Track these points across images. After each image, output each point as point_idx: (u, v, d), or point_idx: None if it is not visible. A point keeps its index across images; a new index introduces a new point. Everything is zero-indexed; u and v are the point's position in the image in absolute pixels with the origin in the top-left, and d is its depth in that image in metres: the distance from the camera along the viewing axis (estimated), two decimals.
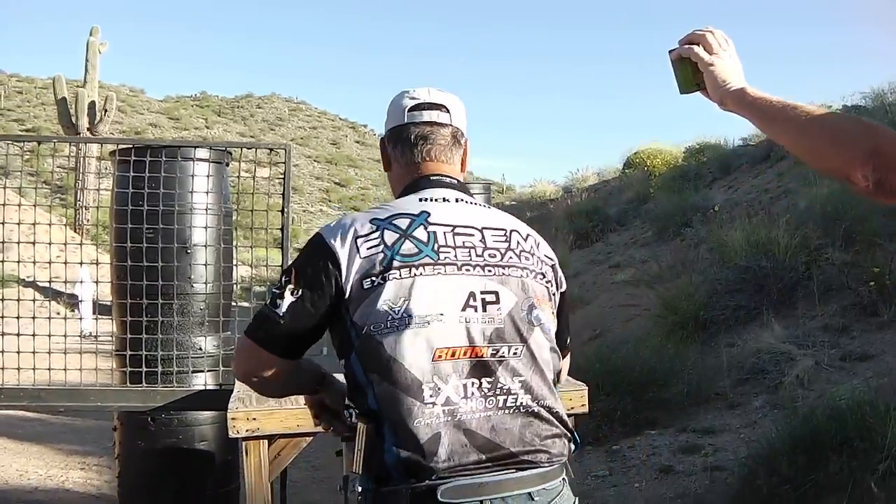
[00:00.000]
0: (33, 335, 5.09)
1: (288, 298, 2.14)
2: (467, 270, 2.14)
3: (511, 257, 2.21)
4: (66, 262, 5.74)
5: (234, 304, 5.77)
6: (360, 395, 2.12)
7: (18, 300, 5.31)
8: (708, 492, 5.82)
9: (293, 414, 3.91)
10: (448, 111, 2.41)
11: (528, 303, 2.17)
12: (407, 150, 2.38)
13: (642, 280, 12.21)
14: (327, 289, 2.12)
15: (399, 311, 2.06)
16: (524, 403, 2.11)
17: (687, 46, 2.02)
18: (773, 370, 7.67)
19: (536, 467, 2.11)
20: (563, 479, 2.19)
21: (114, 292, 5.53)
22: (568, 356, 2.48)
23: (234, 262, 5.70)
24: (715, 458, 6.37)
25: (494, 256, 2.19)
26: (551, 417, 2.16)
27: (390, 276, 2.08)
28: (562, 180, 29.35)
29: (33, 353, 5.05)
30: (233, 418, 3.90)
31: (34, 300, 5.68)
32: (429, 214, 2.20)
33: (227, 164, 5.74)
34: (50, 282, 5.89)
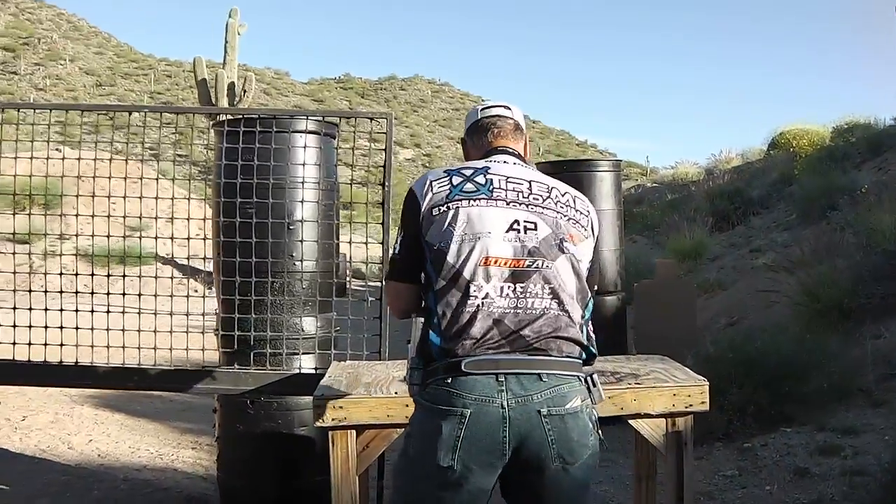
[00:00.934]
0: (155, 313, 4.94)
1: (399, 238, 2.94)
2: (514, 206, 2.85)
3: (549, 203, 2.90)
4: (204, 239, 5.55)
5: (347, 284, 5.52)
6: (426, 295, 2.87)
7: (143, 276, 5.17)
8: (846, 498, 5.32)
9: (382, 403, 3.64)
10: (510, 109, 3.23)
11: (560, 236, 2.85)
12: (481, 135, 3.17)
13: (783, 265, 11.57)
14: (416, 223, 2.87)
15: (458, 229, 2.78)
16: (548, 307, 2.78)
17: None
18: None
19: (547, 355, 2.75)
20: (581, 378, 2.82)
21: (215, 269, 5.37)
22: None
23: (339, 240, 5.45)
24: (855, 461, 5.85)
25: (537, 200, 2.89)
26: (570, 323, 2.81)
27: (452, 206, 2.82)
28: (704, 162, 28.49)
29: (142, 331, 4.89)
30: (318, 406, 3.64)
31: (158, 275, 5.51)
32: (489, 168, 2.95)
33: (335, 137, 5.49)
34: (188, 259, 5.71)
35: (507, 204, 2.83)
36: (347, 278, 5.50)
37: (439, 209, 2.82)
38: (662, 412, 3.78)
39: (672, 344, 8.33)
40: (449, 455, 2.65)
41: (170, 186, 13.46)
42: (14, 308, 5.04)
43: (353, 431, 3.66)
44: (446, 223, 2.79)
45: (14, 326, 4.92)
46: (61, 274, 5.39)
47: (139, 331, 4.93)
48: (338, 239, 5.38)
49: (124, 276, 5.75)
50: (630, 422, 3.81)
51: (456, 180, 2.87)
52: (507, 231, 2.78)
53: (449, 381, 2.69)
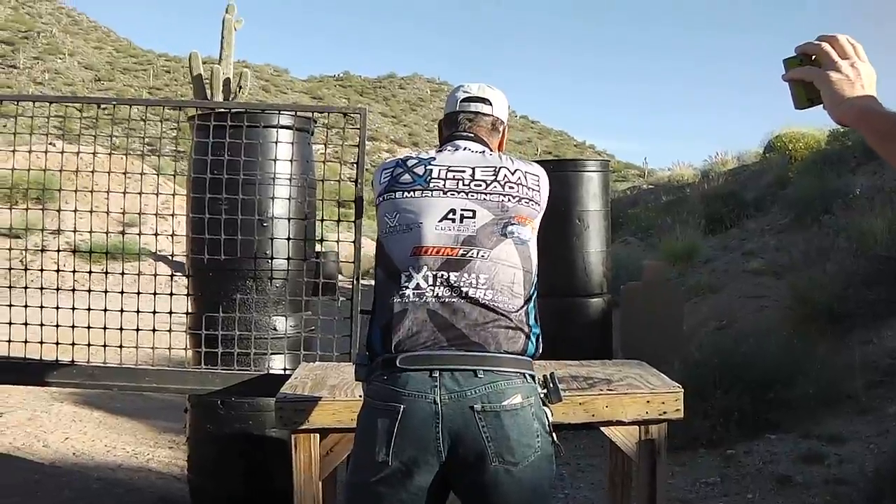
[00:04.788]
0: (137, 311, 4.86)
1: None
2: (452, 194, 2.79)
3: (495, 187, 2.82)
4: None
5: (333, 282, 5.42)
6: (375, 281, 2.83)
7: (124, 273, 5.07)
8: None
9: (347, 406, 3.51)
10: (491, 104, 3.10)
11: (505, 220, 2.77)
12: (453, 127, 3.07)
13: (774, 269, 11.47)
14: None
15: (392, 220, 2.81)
16: (485, 297, 2.68)
17: (797, 69, 1.85)
18: None
19: (484, 350, 2.64)
20: (526, 375, 2.70)
21: (188, 266, 5.27)
22: None
23: (319, 238, 5.34)
24: (839, 469, 5.74)
25: (480, 186, 2.82)
26: (508, 313, 2.70)
27: (388, 197, 2.86)
28: (700, 164, 28.37)
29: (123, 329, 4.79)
30: (280, 409, 3.54)
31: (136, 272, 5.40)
32: (434, 158, 2.92)
33: (312, 133, 5.38)
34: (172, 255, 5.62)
35: (445, 193, 2.79)
36: (330, 276, 5.39)
37: (380, 200, 2.88)
38: (635, 419, 3.67)
39: (658, 348, 8.25)
40: (384, 450, 2.59)
41: (165, 182, 13.40)
42: None
43: (317, 435, 3.55)
44: (382, 214, 2.85)
45: None
46: (58, 271, 5.28)
47: (121, 329, 4.82)
48: (315, 237, 5.27)
49: (106, 272, 5.64)
50: (602, 429, 3.71)
51: (397, 171, 2.89)
52: (440, 220, 2.75)
53: (385, 377, 2.65)
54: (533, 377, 2.75)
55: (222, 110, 5.27)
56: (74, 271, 5.22)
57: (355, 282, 4.67)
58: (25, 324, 4.80)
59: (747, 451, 6.46)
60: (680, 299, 10.12)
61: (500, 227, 2.75)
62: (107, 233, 5.18)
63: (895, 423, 6.37)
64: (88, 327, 4.76)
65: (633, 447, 3.73)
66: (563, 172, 8.84)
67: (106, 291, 4.91)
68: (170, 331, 4.98)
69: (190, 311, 5.19)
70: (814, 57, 1.81)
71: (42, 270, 5.11)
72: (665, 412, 3.68)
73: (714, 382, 6.91)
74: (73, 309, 4.77)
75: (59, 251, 6.07)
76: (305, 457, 3.55)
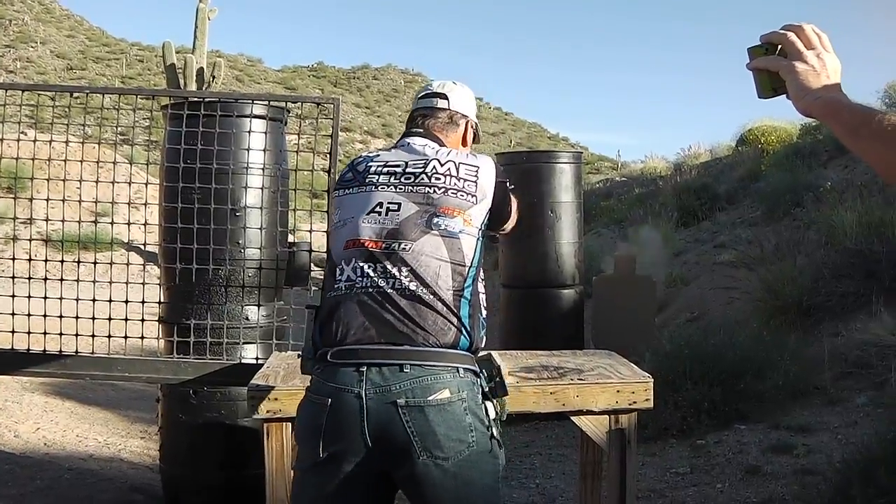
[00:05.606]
0: (110, 300, 4.80)
1: None
2: (383, 188, 2.89)
3: (422, 179, 2.88)
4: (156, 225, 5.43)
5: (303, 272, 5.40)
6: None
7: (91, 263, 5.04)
8: (796, 498, 5.26)
9: None
10: (447, 98, 3.20)
11: (430, 212, 2.81)
12: (410, 124, 3.20)
13: (745, 261, 11.53)
14: None
15: (336, 217, 2.97)
16: (410, 288, 2.72)
17: (761, 58, 1.83)
18: (880, 364, 6.98)
19: (412, 344, 2.67)
20: (457, 369, 2.69)
21: (161, 255, 5.25)
22: (512, 219, 3.22)
23: (291, 228, 5.34)
24: (808, 459, 5.79)
25: (409, 178, 2.90)
26: (436, 305, 2.71)
27: (333, 195, 3.07)
28: (673, 157, 28.43)
29: (93, 319, 4.76)
30: (252, 397, 3.54)
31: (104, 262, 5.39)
32: (377, 156, 3.06)
33: (285, 122, 5.38)
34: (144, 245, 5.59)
35: (376, 187, 2.89)
36: (302, 266, 5.38)
37: (333, 195, 3.09)
38: (605, 409, 3.69)
39: (629, 338, 8.29)
40: (315, 441, 2.68)
41: (138, 172, 13.30)
42: None
43: (289, 423, 3.55)
44: (332, 214, 3.05)
45: None
46: (30, 260, 5.23)
47: (93, 319, 4.79)
48: (287, 227, 5.27)
49: (79, 262, 5.64)
50: (573, 419, 3.73)
51: (344, 170, 3.07)
52: (367, 213, 2.84)
53: (320, 370, 2.74)
54: (471, 371, 2.76)
55: (195, 100, 5.24)
56: (46, 260, 5.21)
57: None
58: (13, 314, 4.77)
59: (717, 441, 6.50)
60: (652, 291, 10.17)
61: (424, 219, 2.79)
62: (79, 222, 5.17)
63: (863, 414, 6.42)
64: (61, 317, 4.73)
65: (603, 437, 3.75)
66: (535, 164, 8.90)
67: (78, 280, 4.90)
68: (142, 320, 4.96)
69: (162, 300, 5.17)
70: (779, 47, 1.80)
71: (14, 259, 5.08)
72: (635, 402, 3.71)
73: (684, 373, 6.96)
74: (45, 298, 4.74)
75: (31, 240, 6.03)
76: (277, 445, 3.56)
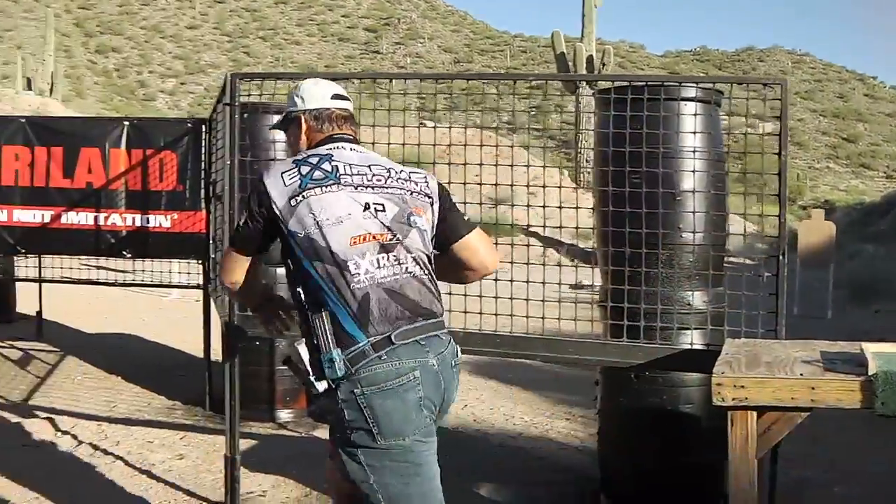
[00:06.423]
0: (527, 281, 4.93)
1: (241, 219, 3.28)
2: (362, 189, 3.16)
3: (392, 182, 3.24)
4: (572, 208, 5.51)
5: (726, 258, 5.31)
6: (307, 279, 3.08)
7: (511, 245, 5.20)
8: None
9: (787, 384, 3.42)
10: (349, 100, 3.58)
11: (408, 211, 3.20)
12: (324, 123, 3.43)
13: None
14: (262, 210, 3.16)
15: (320, 215, 3.06)
16: (417, 273, 3.16)
17: None
18: None
19: (436, 317, 3.18)
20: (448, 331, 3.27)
21: (598, 239, 5.31)
22: (476, 232, 3.46)
23: (727, 212, 5.24)
24: None
25: (380, 181, 3.22)
26: (433, 286, 3.22)
27: (307, 194, 3.10)
28: None
29: (515, 300, 4.90)
30: (718, 384, 3.47)
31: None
32: (332, 155, 3.25)
33: (719, 105, 5.27)
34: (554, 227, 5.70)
35: (356, 188, 3.16)
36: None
37: (296, 199, 3.09)
38: None
39: None
40: (417, 415, 3.02)
41: (530, 158, 13.67)
42: None
43: (754, 413, 3.48)
44: (307, 212, 3.07)
45: None
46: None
47: (527, 300, 4.89)
48: (725, 211, 5.17)
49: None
50: None
51: (304, 170, 3.17)
52: (364, 211, 3.11)
53: (384, 356, 2.98)
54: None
55: (639, 84, 5.24)
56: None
57: (781, 257, 4.52)
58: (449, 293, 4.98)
59: None
60: None
61: (405, 217, 3.19)
62: (480, 204, 5.26)
63: None
64: (496, 298, 4.85)
65: None
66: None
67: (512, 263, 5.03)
68: (575, 302, 5.03)
69: (603, 284, 5.23)
70: None
71: None
72: None
73: None
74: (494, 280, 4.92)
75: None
76: (742, 434, 3.49)
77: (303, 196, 3.09)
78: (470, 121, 6.33)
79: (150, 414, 7.33)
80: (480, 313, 4.91)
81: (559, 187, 5.34)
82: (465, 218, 3.53)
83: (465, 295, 4.77)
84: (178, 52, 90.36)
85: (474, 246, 3.43)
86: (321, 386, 3.05)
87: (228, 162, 4.98)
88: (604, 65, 24.30)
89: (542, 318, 4.85)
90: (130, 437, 6.61)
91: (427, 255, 3.23)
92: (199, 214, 7.13)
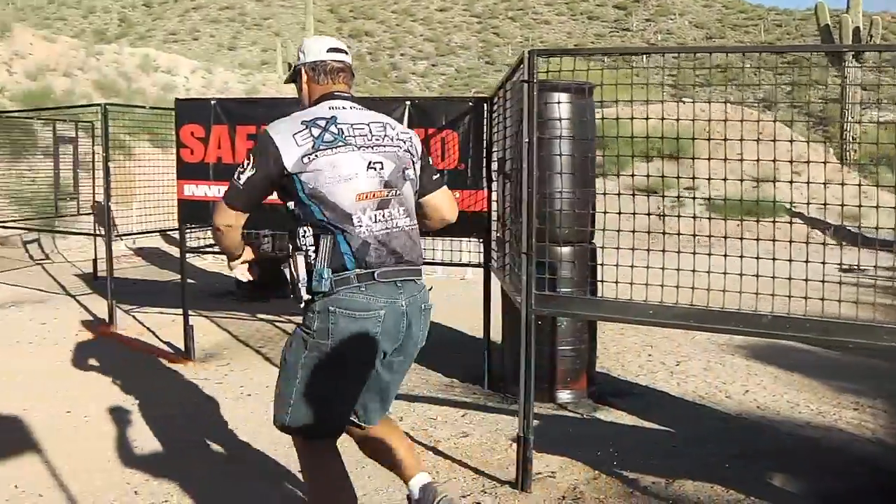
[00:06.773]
0: (790, 260, 4.71)
1: (247, 173, 3.61)
2: (365, 149, 3.67)
3: (388, 140, 3.78)
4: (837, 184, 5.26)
5: None
6: (313, 216, 3.59)
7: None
8: None
9: None
10: (347, 53, 4.00)
11: (402, 166, 3.78)
12: (325, 76, 3.90)
13: None
14: (271, 167, 3.58)
15: (332, 173, 3.56)
16: (406, 225, 3.77)
17: None
18: None
19: (414, 264, 3.78)
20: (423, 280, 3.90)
21: None
22: (444, 189, 4.17)
23: None
24: None
25: (378, 140, 3.74)
26: (416, 236, 3.83)
27: (320, 154, 3.57)
28: None
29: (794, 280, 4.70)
30: None
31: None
32: (336, 118, 3.70)
33: None
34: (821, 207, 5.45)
35: (359, 148, 3.67)
36: None
37: (310, 158, 3.57)
38: None
39: None
40: (373, 345, 3.65)
41: (788, 134, 13.16)
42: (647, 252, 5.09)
43: None
44: (317, 168, 3.57)
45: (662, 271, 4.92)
46: (694, 217, 5.28)
47: (806, 280, 4.63)
48: None
49: (748, 222, 5.58)
50: None
51: (315, 132, 3.63)
52: (367, 170, 3.66)
53: (364, 288, 3.60)
54: None
55: None
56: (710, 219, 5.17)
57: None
58: (693, 271, 4.84)
59: None
60: None
61: (401, 172, 3.79)
62: (741, 180, 5.03)
63: None
64: (756, 276, 4.69)
65: None
66: None
67: (758, 239, 4.83)
68: (822, 282, 4.69)
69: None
70: None
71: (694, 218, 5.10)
72: None
73: None
74: (725, 256, 4.77)
75: (693, 199, 6.08)
76: None
77: (315, 155, 3.57)
78: (722, 98, 6.14)
79: (429, 391, 7.46)
80: (740, 293, 4.75)
81: (824, 162, 5.13)
82: (435, 177, 4.13)
83: (724, 273, 4.65)
84: (429, 34, 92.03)
85: (438, 202, 4.11)
86: (306, 295, 3.63)
87: (526, 140, 4.99)
88: (871, 36, 23.24)
89: (822, 299, 4.60)
90: (413, 413, 6.76)
91: (413, 204, 3.88)
92: (481, 193, 7.22)
